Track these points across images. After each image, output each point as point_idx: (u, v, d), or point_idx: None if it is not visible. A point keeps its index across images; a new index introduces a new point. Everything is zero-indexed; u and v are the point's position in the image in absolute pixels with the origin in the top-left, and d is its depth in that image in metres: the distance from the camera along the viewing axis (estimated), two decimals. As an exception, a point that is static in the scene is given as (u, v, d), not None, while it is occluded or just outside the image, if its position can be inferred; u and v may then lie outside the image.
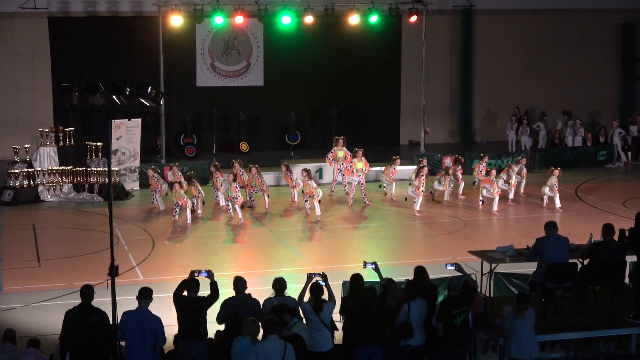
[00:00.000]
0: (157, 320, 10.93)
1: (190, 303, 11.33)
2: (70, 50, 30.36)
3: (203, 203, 23.22)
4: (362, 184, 24.10)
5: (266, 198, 23.32)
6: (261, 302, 11.60)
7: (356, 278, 11.72)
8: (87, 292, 11.09)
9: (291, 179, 23.95)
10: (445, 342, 11.53)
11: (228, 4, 28.43)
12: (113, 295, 12.02)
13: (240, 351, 10.26)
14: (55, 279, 17.47)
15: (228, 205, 22.52)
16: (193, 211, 22.38)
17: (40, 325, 14.76)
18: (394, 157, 25.14)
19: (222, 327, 11.69)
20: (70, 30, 30.22)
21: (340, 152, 25.11)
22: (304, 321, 11.19)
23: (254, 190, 23.53)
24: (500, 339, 11.70)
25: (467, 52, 33.71)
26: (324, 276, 11.62)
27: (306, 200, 22.57)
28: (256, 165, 23.67)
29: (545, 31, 34.32)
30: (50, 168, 24.92)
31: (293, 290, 12.26)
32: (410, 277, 12.37)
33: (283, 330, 10.47)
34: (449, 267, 12.38)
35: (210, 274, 11.72)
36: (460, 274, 12.10)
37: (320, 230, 21.51)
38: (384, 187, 25.09)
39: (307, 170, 22.78)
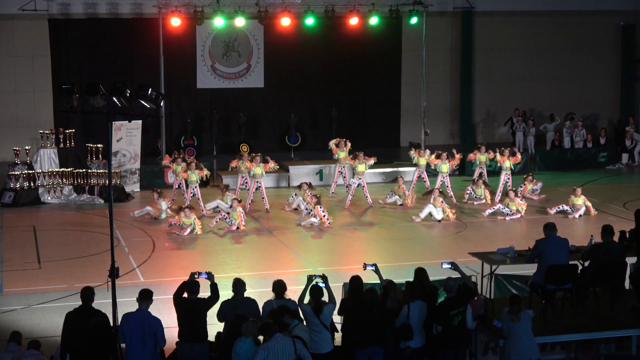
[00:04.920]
0: (157, 322, 10.93)
1: (190, 305, 11.34)
2: (70, 52, 30.38)
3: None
4: (363, 186, 24.09)
5: (264, 201, 23.45)
6: (261, 305, 11.60)
7: (355, 280, 11.73)
8: (87, 294, 11.09)
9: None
10: (443, 342, 11.55)
11: (228, 5, 28.47)
12: (113, 297, 12.03)
13: (243, 352, 10.26)
14: (55, 281, 17.47)
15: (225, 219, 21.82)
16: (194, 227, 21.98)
17: (41, 327, 14.76)
18: (400, 177, 24.97)
19: (222, 329, 11.73)
20: (70, 32, 30.24)
21: (342, 153, 25.07)
22: (304, 323, 11.20)
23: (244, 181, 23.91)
24: (501, 340, 11.69)
25: (468, 54, 33.72)
26: (324, 278, 11.63)
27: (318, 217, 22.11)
28: (259, 154, 23.91)
29: (546, 33, 34.33)
30: (50, 170, 24.92)
31: (293, 292, 12.25)
32: (411, 279, 12.38)
33: (284, 332, 10.47)
34: (445, 266, 12.41)
35: (210, 276, 11.72)
36: (457, 274, 12.13)
37: (321, 232, 21.51)
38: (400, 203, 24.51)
39: (316, 197, 22.12)
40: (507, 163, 24.62)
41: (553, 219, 21.39)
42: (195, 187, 23.10)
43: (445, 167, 24.58)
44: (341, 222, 22.54)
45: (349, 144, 25.29)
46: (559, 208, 22.80)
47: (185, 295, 11.44)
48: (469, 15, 33.37)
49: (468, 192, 24.52)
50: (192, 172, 23.08)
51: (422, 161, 25.18)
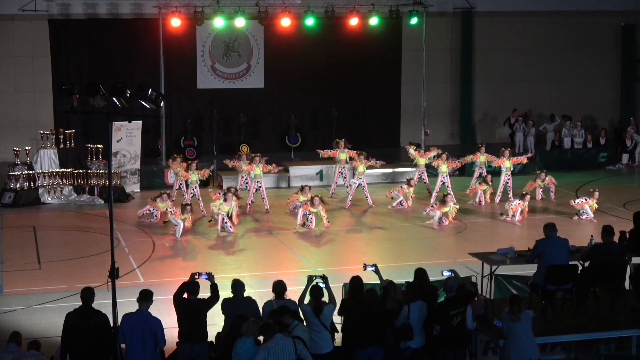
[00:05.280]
0: (157, 323, 10.94)
1: (190, 305, 11.34)
2: (70, 52, 30.37)
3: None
4: (363, 186, 24.09)
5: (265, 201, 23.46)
6: (261, 305, 11.61)
7: (355, 280, 11.73)
8: (87, 295, 11.11)
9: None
10: (442, 343, 11.54)
11: (228, 6, 28.47)
12: (113, 297, 12.03)
13: (243, 352, 10.26)
14: (55, 281, 17.48)
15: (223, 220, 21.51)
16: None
17: (41, 327, 14.76)
18: (409, 178, 24.77)
19: (221, 329, 11.73)
20: (70, 33, 30.23)
21: (343, 154, 25.00)
22: (304, 323, 11.20)
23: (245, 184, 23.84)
24: (501, 341, 11.70)
25: (468, 54, 33.72)
26: (324, 278, 11.64)
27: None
28: (258, 154, 23.86)
29: (546, 33, 34.33)
30: (50, 170, 24.92)
31: (293, 292, 12.26)
32: (411, 279, 12.38)
33: (284, 333, 10.48)
34: (446, 274, 12.30)
35: (210, 276, 11.73)
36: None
37: (321, 233, 21.51)
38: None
39: (319, 197, 21.94)
40: (507, 163, 24.57)
41: (553, 219, 21.39)
42: (196, 188, 23.11)
43: (445, 167, 24.55)
44: (341, 223, 22.55)
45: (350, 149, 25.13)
46: (581, 209, 22.56)
47: (185, 295, 11.45)
48: (469, 15, 33.37)
49: (477, 193, 24.40)
50: (193, 172, 23.10)
51: (422, 161, 25.07)
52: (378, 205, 24.14)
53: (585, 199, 22.80)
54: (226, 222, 21.36)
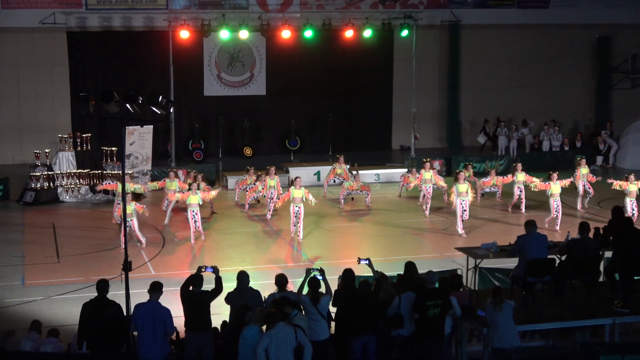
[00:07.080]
0: (167, 312, 10.97)
1: (194, 297, 11.37)
2: (87, 62, 30.41)
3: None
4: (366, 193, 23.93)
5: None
6: (264, 297, 11.64)
7: (347, 272, 11.74)
8: (102, 286, 11.16)
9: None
10: (418, 333, 11.39)
11: (233, 19, 28.53)
12: (127, 288, 12.04)
13: (249, 337, 10.29)
14: (73, 274, 17.50)
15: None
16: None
17: (59, 316, 14.79)
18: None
19: (227, 318, 11.75)
20: (87, 44, 30.26)
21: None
22: (304, 313, 11.22)
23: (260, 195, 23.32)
24: (484, 329, 11.73)
25: (455, 64, 33.75)
26: (321, 271, 11.66)
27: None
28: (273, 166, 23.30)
29: (527, 44, 34.36)
30: (68, 171, 24.94)
31: (292, 284, 12.27)
32: (402, 272, 12.40)
33: (285, 321, 10.50)
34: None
35: (215, 270, 11.76)
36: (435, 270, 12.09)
37: (319, 229, 21.52)
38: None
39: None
40: (520, 177, 22.78)
41: (533, 216, 21.40)
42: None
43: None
44: (338, 220, 22.56)
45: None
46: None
47: (190, 288, 11.47)
48: (456, 28, 33.40)
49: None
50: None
51: (428, 175, 23.20)
52: (373, 204, 24.12)
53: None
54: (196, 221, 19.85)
